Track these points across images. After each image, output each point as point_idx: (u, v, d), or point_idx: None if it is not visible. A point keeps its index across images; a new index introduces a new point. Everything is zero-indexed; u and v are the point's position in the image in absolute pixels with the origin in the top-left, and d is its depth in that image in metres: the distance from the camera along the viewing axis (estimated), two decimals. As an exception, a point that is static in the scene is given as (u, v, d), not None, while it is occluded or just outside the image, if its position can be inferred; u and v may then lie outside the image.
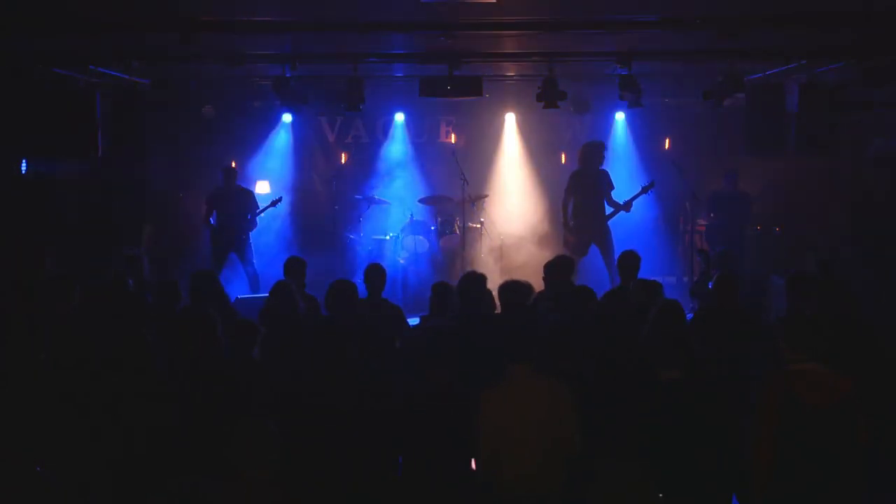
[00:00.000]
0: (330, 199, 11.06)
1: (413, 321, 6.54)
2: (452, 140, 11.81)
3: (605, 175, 9.90)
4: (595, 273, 9.98)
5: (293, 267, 6.85)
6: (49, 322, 5.33)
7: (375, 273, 6.43)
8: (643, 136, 11.45)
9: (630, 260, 6.81)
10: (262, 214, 10.14)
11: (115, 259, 7.67)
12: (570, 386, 4.29)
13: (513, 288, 5.82)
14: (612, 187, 9.83)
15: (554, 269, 6.53)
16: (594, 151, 9.82)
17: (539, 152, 11.78)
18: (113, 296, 6.10)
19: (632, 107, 8.89)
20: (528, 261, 10.39)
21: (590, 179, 9.81)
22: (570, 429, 4.21)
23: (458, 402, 4.36)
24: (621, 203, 9.71)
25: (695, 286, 8.29)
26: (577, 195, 9.82)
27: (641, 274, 6.73)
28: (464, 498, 4.29)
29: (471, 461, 4.41)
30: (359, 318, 5.67)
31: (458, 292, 5.85)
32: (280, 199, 10.24)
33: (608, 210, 9.81)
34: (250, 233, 10.07)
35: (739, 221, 10.20)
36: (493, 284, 6.13)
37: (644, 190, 9.73)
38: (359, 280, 6.67)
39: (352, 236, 11.16)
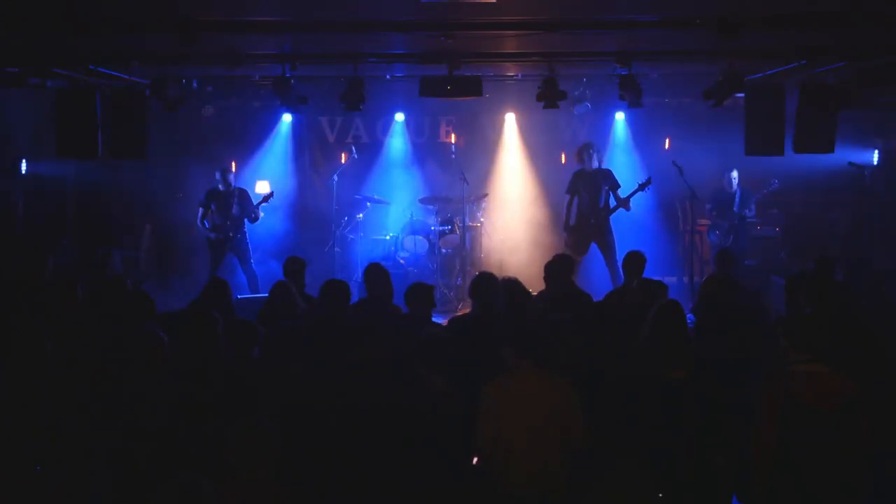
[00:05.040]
0: (330, 199, 11.05)
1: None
2: (452, 140, 11.81)
3: (608, 174, 9.90)
4: (596, 273, 9.99)
5: (293, 267, 6.85)
6: (55, 322, 5.33)
7: (375, 273, 6.43)
8: (643, 136, 11.45)
9: (635, 260, 6.81)
10: (259, 210, 10.12)
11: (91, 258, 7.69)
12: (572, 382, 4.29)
13: (512, 285, 5.84)
14: (617, 185, 9.83)
15: (554, 269, 6.53)
16: (586, 151, 9.85)
17: (539, 152, 11.78)
18: (116, 295, 6.09)
19: (632, 107, 8.89)
20: (529, 260, 10.41)
21: (590, 178, 9.81)
22: (574, 425, 4.20)
23: (457, 403, 4.37)
24: (622, 198, 9.72)
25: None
26: (578, 194, 9.84)
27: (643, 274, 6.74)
28: (465, 496, 4.29)
29: (471, 460, 4.42)
30: (356, 319, 5.68)
31: (471, 292, 5.85)
32: (272, 194, 10.19)
33: (611, 206, 9.82)
34: (247, 232, 10.06)
35: (739, 221, 10.20)
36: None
37: (641, 187, 9.73)
38: (360, 280, 6.67)
39: (352, 236, 11.16)
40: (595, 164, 9.85)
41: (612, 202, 9.81)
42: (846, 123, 8.47)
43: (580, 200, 9.83)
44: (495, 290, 5.77)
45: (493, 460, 4.23)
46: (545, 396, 4.23)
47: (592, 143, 10.07)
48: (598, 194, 9.81)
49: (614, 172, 10.04)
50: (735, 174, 10.22)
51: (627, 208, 9.74)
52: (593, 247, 9.90)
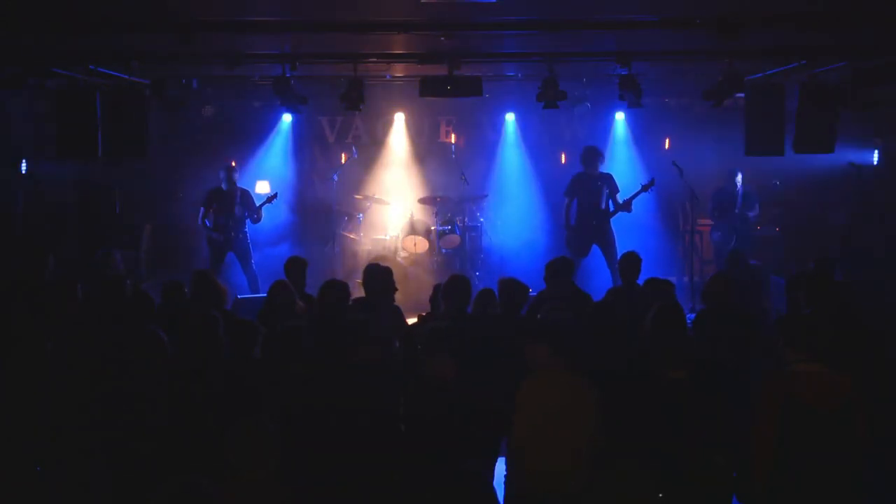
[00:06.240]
0: (330, 199, 11.05)
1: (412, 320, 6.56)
2: (452, 140, 11.82)
3: (609, 178, 9.92)
4: (596, 273, 10.00)
5: (294, 267, 6.84)
6: (55, 323, 5.34)
7: (374, 273, 6.44)
8: (643, 136, 11.45)
9: (631, 261, 6.82)
10: (261, 211, 10.11)
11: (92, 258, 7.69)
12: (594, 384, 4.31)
13: (513, 286, 5.86)
14: (616, 190, 9.85)
15: (555, 270, 6.53)
16: (592, 155, 9.86)
17: (539, 152, 11.78)
18: (115, 295, 6.09)
19: (632, 107, 8.89)
20: (529, 260, 10.41)
21: (591, 181, 9.82)
22: (594, 428, 4.22)
23: (462, 401, 4.37)
24: (621, 202, 9.73)
25: None
26: (578, 196, 9.84)
27: (642, 274, 6.74)
28: (465, 496, 4.30)
29: (470, 459, 4.42)
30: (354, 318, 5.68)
31: (443, 295, 5.88)
32: (276, 195, 10.19)
33: (611, 209, 9.83)
34: (248, 233, 10.06)
35: (741, 222, 10.21)
36: (493, 284, 6.14)
37: (644, 188, 9.73)
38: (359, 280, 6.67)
39: (352, 236, 11.16)
40: (597, 170, 9.85)
41: (612, 206, 9.82)
42: (846, 123, 8.46)
43: (580, 202, 9.84)
44: (467, 293, 5.81)
45: (517, 458, 4.23)
46: (575, 397, 4.25)
47: (598, 149, 10.04)
48: (599, 197, 9.82)
49: (615, 173, 10.05)
50: (739, 177, 10.22)
51: (629, 210, 9.74)
52: (594, 247, 9.91)
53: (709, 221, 10.70)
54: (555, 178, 11.24)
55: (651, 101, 9.63)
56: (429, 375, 4.51)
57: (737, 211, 10.15)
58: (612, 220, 9.89)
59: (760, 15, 6.62)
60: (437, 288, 6.09)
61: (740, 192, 10.21)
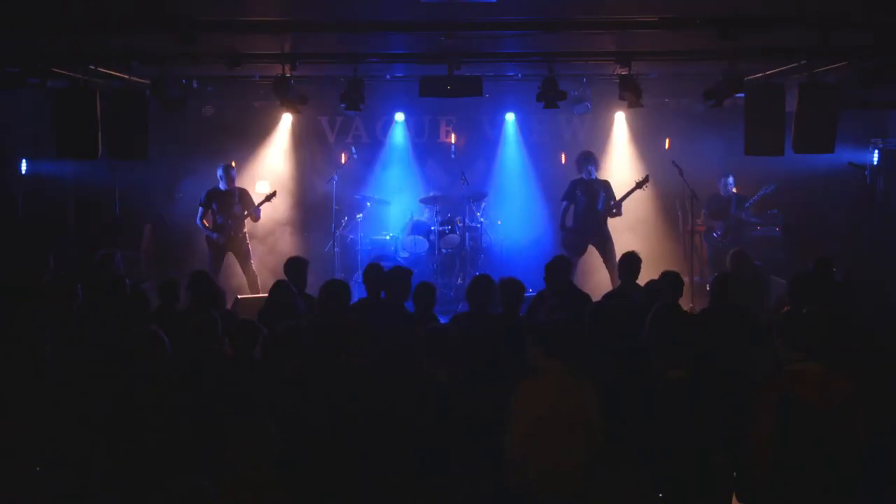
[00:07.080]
0: (330, 199, 11.06)
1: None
2: (452, 140, 11.82)
3: (606, 184, 9.97)
4: (596, 273, 10.00)
5: (294, 267, 6.84)
6: (55, 322, 5.34)
7: (374, 273, 6.44)
8: (643, 135, 11.45)
9: (631, 261, 6.83)
10: (260, 209, 10.10)
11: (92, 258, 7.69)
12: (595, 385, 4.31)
13: (512, 285, 5.87)
14: (613, 197, 9.90)
15: (554, 270, 6.54)
16: (587, 159, 9.90)
17: (539, 152, 11.80)
18: (115, 295, 6.09)
19: (632, 107, 8.89)
20: (528, 260, 10.42)
21: (590, 186, 9.87)
22: (596, 428, 4.22)
23: (461, 402, 4.38)
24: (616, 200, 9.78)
25: None
26: (577, 201, 9.88)
27: (642, 275, 6.74)
28: (466, 496, 4.30)
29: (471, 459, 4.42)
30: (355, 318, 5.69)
31: (467, 295, 5.91)
32: (274, 194, 10.20)
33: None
34: (247, 233, 10.06)
35: (735, 223, 10.23)
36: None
37: (638, 185, 9.76)
38: (359, 280, 6.68)
39: (352, 236, 11.16)
40: (594, 174, 9.90)
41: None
42: (846, 123, 8.45)
43: (578, 205, 9.89)
44: (491, 291, 5.82)
45: (514, 460, 4.24)
46: (572, 399, 4.25)
47: (592, 153, 10.09)
48: (597, 199, 9.87)
49: (614, 173, 10.08)
50: (731, 179, 10.27)
51: (620, 213, 9.81)
52: (592, 249, 9.92)
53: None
54: (555, 178, 11.26)
55: (651, 101, 9.63)
56: (428, 376, 4.51)
57: (732, 212, 10.17)
58: (611, 219, 9.92)
59: (761, 15, 6.62)
60: (418, 287, 6.10)
61: (733, 196, 10.24)
